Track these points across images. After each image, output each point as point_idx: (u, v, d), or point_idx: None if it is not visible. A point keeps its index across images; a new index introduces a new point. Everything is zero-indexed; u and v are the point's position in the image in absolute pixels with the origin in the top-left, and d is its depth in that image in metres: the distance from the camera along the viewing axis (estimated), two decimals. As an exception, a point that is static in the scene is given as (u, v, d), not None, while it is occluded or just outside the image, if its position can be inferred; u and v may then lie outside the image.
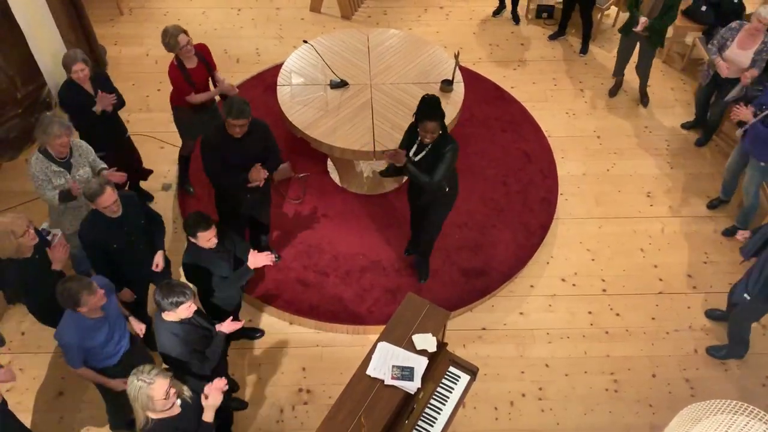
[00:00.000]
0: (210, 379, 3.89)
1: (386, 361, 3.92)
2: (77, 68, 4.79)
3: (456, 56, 5.55)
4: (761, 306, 4.72)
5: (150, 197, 6.09)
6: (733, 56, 5.75)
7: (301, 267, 5.55)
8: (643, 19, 6.09)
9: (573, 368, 5.19)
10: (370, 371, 3.89)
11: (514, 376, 5.14)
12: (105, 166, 4.84)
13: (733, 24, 5.82)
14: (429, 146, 4.55)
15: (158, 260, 4.55)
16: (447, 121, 5.34)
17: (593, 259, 5.83)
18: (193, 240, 4.13)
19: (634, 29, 6.24)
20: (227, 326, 4.05)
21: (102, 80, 5.16)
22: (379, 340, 4.06)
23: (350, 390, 3.86)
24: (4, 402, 4.03)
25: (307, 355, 5.22)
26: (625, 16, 6.83)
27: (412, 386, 3.85)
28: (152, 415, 3.39)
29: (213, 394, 3.52)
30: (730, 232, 5.92)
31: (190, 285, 3.83)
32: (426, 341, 4.02)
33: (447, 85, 5.59)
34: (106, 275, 4.27)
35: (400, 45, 6.03)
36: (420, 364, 3.93)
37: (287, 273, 5.51)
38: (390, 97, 5.55)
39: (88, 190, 4.09)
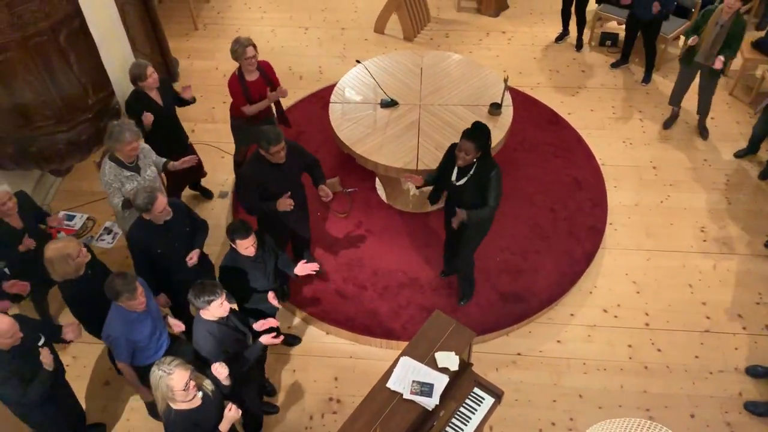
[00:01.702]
0: (244, 382, 4.09)
1: (407, 376, 3.98)
2: (149, 72, 5.12)
3: (505, 80, 5.59)
4: None
5: (210, 194, 6.45)
6: None
7: (341, 279, 5.68)
8: (720, 58, 5.91)
9: (607, 401, 5.08)
10: (391, 384, 3.95)
11: (545, 404, 5.08)
12: (165, 160, 5.16)
13: None
14: (472, 172, 4.56)
15: (193, 255, 4.70)
16: (493, 143, 5.41)
17: (638, 292, 5.69)
18: (233, 246, 4.32)
19: (707, 63, 6.08)
20: (266, 340, 4.13)
21: (167, 89, 5.51)
22: (402, 354, 4.12)
23: (370, 400, 3.94)
24: (62, 370, 4.31)
25: (340, 366, 5.33)
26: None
27: (430, 403, 3.89)
28: (173, 405, 3.57)
29: (232, 413, 3.66)
30: (788, 274, 5.68)
31: (219, 283, 3.97)
32: (448, 359, 4.05)
33: (495, 108, 5.63)
34: (146, 278, 4.52)
35: (453, 67, 6.13)
36: (440, 381, 3.96)
37: (327, 284, 5.66)
38: (437, 118, 5.64)
39: (142, 202, 4.29)
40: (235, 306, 4.47)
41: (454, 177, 4.66)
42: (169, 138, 5.57)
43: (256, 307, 4.58)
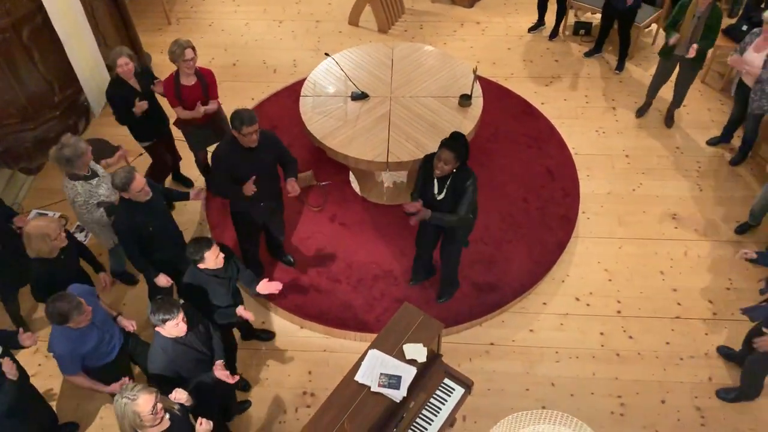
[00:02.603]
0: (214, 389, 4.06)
1: (375, 368, 3.99)
2: (121, 62, 5.11)
3: (474, 71, 5.59)
4: None
5: (190, 182, 6.47)
6: (749, 59, 5.75)
7: (315, 273, 5.68)
8: (694, 46, 5.94)
9: (579, 389, 5.12)
10: (359, 377, 3.96)
11: (517, 393, 5.11)
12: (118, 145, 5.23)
13: (756, 29, 5.83)
14: (449, 183, 4.52)
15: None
16: (464, 132, 5.42)
17: (610, 280, 5.74)
18: (201, 265, 4.15)
19: (685, 55, 6.10)
20: (219, 374, 4.01)
21: (147, 76, 5.49)
22: (370, 347, 4.13)
23: (338, 394, 3.95)
24: (26, 377, 4.29)
25: (314, 359, 5.33)
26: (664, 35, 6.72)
27: (397, 395, 3.91)
28: None
29: (203, 427, 3.61)
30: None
31: (181, 303, 3.88)
32: (416, 351, 4.07)
33: (465, 99, 5.63)
34: (141, 263, 4.56)
35: (424, 59, 6.12)
36: (408, 373, 3.98)
37: (301, 278, 5.65)
38: (408, 110, 5.64)
39: (120, 181, 4.30)
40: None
41: (435, 190, 4.58)
42: (152, 121, 5.59)
43: (225, 322, 4.49)
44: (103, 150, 5.65)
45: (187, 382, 3.94)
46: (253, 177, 4.62)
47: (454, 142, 4.35)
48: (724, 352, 5.20)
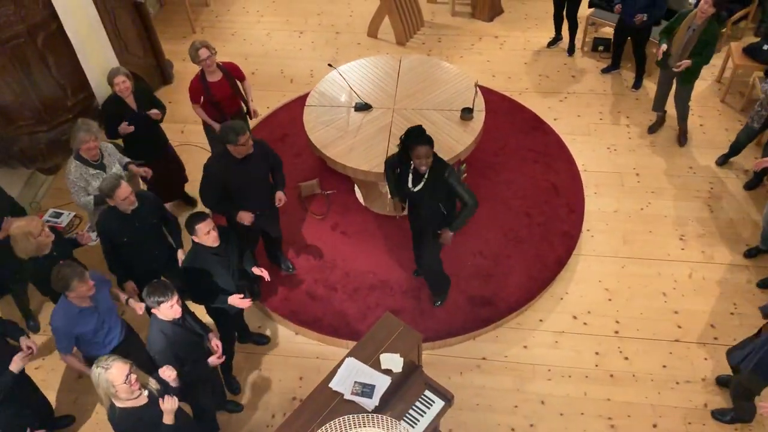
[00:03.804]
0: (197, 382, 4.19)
1: (350, 376, 4.02)
2: (118, 81, 5.27)
3: (476, 85, 5.60)
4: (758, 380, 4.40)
5: (193, 201, 6.52)
6: None
7: (312, 280, 5.74)
8: (686, 62, 5.86)
9: (569, 408, 5.05)
10: (333, 384, 4.00)
11: (506, 409, 5.07)
12: (129, 159, 5.31)
13: None
14: (426, 176, 4.60)
15: (180, 256, 4.89)
16: (461, 148, 5.46)
17: (610, 299, 5.65)
18: (195, 239, 4.34)
19: (673, 68, 6.02)
20: (213, 360, 4.23)
21: (146, 95, 5.63)
22: (348, 354, 4.16)
23: (311, 400, 3.99)
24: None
25: (306, 366, 5.39)
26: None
27: (369, 404, 3.92)
28: (117, 404, 3.63)
29: (168, 401, 3.71)
30: (766, 284, 5.57)
31: (173, 285, 4.02)
32: (392, 361, 4.08)
33: (467, 113, 5.64)
34: (115, 266, 4.66)
35: (431, 72, 6.16)
36: (382, 383, 3.99)
37: (298, 284, 5.72)
38: (409, 122, 5.67)
39: (105, 186, 4.48)
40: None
41: (410, 183, 4.69)
42: (145, 143, 5.68)
43: (221, 307, 4.64)
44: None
45: (184, 363, 4.05)
46: (253, 215, 4.83)
47: (422, 136, 4.48)
48: (723, 381, 5.06)
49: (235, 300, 4.49)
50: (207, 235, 4.30)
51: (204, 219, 4.29)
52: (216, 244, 4.39)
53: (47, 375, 5.46)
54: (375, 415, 3.01)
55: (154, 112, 5.52)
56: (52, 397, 5.27)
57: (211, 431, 4.90)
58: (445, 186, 4.60)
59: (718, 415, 4.89)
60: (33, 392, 4.77)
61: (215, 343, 4.33)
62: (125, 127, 5.34)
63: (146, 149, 5.69)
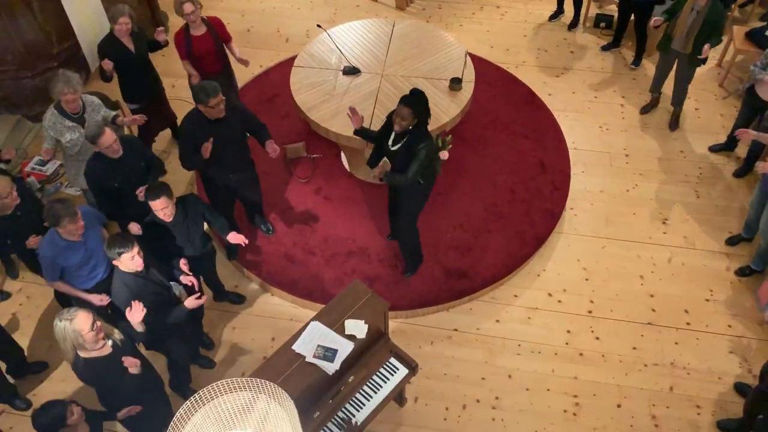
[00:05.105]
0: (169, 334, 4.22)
1: (313, 340, 4.04)
2: (123, 20, 5.24)
3: (466, 54, 5.52)
4: None
5: None
6: None
7: (291, 243, 5.75)
8: (707, 46, 5.72)
9: (536, 384, 5.08)
10: (296, 346, 4.02)
11: (473, 381, 5.10)
12: (117, 113, 5.27)
13: None
14: (405, 140, 4.58)
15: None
16: (447, 119, 5.39)
17: (587, 279, 5.64)
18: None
19: (682, 51, 5.90)
20: (190, 302, 4.18)
21: (143, 38, 5.60)
22: (313, 318, 4.18)
23: (274, 360, 4.02)
24: None
25: (279, 327, 5.42)
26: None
27: (330, 367, 3.95)
28: (81, 354, 3.68)
29: (128, 361, 3.75)
30: (743, 273, 5.56)
31: (132, 237, 4.05)
32: (357, 327, 4.10)
33: (456, 83, 5.57)
34: (105, 207, 4.71)
35: (423, 38, 6.06)
36: (344, 348, 4.01)
37: (277, 247, 5.73)
38: (397, 89, 5.60)
39: (90, 133, 4.50)
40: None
41: (390, 141, 4.66)
42: (141, 85, 5.69)
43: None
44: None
45: (149, 314, 4.02)
46: (211, 139, 4.67)
47: (412, 98, 4.44)
48: (741, 389, 4.95)
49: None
50: (160, 211, 4.31)
51: (157, 196, 4.25)
52: (168, 219, 4.39)
53: (22, 321, 5.51)
54: (254, 379, 3.07)
55: (161, 37, 5.57)
56: (25, 343, 5.33)
57: (184, 382, 4.95)
58: (413, 155, 4.56)
59: (725, 424, 4.78)
60: (2, 337, 4.81)
61: (189, 279, 4.35)
62: (107, 63, 5.29)
63: (142, 93, 5.71)
